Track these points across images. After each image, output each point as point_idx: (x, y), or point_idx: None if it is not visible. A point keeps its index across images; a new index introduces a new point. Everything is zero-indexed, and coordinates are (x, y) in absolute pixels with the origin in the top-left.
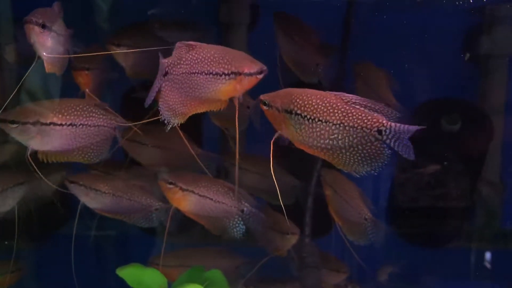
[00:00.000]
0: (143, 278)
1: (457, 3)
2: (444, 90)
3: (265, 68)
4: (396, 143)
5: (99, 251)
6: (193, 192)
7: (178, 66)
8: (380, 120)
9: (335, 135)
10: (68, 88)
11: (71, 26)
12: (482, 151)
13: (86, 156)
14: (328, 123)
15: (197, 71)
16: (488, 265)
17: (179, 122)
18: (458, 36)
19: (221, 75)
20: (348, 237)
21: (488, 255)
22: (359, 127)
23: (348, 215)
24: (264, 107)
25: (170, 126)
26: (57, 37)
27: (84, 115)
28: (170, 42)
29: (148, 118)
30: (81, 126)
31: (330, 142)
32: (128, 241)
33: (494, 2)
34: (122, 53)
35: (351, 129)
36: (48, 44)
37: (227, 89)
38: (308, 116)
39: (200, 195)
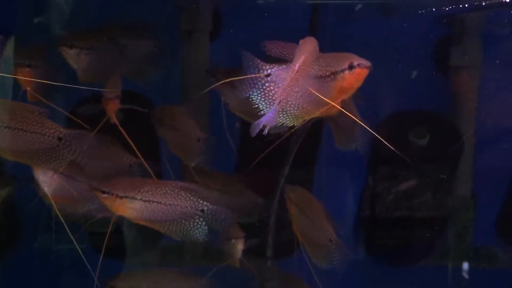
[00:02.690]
0: None
1: (424, 11)
2: (412, 103)
3: (369, 64)
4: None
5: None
6: (134, 198)
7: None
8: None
9: None
10: None
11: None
12: (452, 166)
13: (34, 161)
14: None
15: (309, 75)
16: (463, 280)
17: (296, 125)
18: (428, 46)
19: (326, 77)
20: (312, 259)
21: (462, 272)
22: None
23: (313, 236)
24: None
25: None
26: None
27: (19, 120)
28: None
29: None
30: (16, 130)
31: None
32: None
33: (464, 10)
34: (75, 55)
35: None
36: None
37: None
38: None
39: (144, 201)
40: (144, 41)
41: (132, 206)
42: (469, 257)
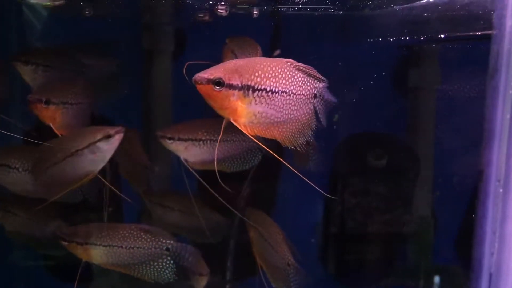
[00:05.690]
0: None
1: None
2: (370, 125)
3: (196, 78)
4: None
5: None
6: (94, 244)
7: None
8: None
9: None
10: None
11: None
12: (412, 186)
13: None
14: None
15: None
16: None
17: None
18: (386, 69)
19: None
20: (271, 283)
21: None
22: None
23: (272, 259)
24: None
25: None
26: None
27: None
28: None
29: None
30: None
31: None
32: None
33: (419, 42)
34: (31, 72)
35: None
36: None
37: None
38: None
39: (105, 246)
40: (105, 60)
41: (95, 252)
42: (429, 277)
